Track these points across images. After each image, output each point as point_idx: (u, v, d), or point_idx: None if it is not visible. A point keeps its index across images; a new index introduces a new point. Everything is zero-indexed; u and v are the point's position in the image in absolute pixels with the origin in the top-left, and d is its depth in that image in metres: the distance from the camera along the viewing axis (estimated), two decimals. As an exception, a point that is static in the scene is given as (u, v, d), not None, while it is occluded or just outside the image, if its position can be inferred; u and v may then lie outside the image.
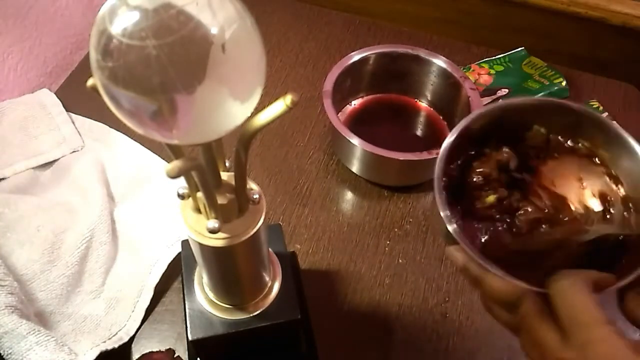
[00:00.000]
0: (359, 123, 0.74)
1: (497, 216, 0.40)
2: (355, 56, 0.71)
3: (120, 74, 0.26)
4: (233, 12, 0.27)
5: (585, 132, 0.40)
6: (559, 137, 0.41)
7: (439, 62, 0.71)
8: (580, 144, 0.41)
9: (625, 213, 0.39)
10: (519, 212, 0.39)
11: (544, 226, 0.39)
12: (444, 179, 0.39)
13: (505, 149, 0.41)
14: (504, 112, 0.41)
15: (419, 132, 0.76)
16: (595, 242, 0.38)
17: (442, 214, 0.37)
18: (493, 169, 0.40)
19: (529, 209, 0.39)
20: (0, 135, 0.71)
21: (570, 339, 0.31)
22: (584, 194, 0.40)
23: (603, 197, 0.40)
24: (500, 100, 0.41)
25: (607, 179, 0.40)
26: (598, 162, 0.40)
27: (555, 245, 0.38)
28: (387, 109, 0.77)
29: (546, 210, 0.39)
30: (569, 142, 0.41)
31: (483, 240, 0.39)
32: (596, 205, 0.40)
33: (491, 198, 0.40)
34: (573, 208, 0.40)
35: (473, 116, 0.40)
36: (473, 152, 0.42)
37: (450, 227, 0.36)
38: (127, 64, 0.25)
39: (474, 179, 0.40)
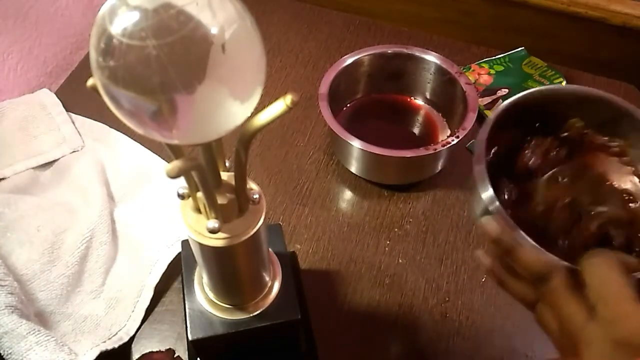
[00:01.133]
0: (357, 124, 0.74)
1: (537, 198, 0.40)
2: (349, 58, 0.71)
3: (120, 74, 0.26)
4: (233, 12, 0.27)
5: (620, 129, 0.40)
6: (594, 132, 0.41)
7: (434, 59, 0.72)
8: (613, 141, 0.41)
9: None
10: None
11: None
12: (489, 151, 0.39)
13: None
14: (545, 97, 0.41)
15: (417, 130, 0.76)
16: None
17: (484, 194, 0.37)
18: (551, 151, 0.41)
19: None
20: (0, 135, 0.71)
21: (598, 314, 0.31)
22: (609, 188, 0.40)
23: (627, 195, 0.40)
24: (544, 86, 0.42)
25: (635, 178, 0.40)
26: (627, 160, 0.40)
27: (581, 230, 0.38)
28: (384, 108, 0.77)
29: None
30: (602, 138, 0.41)
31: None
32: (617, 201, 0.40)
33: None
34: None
35: (510, 101, 0.40)
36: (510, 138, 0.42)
37: (493, 206, 0.36)
38: (127, 64, 0.25)
39: (530, 160, 0.41)
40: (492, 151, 0.41)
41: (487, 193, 0.37)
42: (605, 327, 0.31)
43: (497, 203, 0.36)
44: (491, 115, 0.40)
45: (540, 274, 0.35)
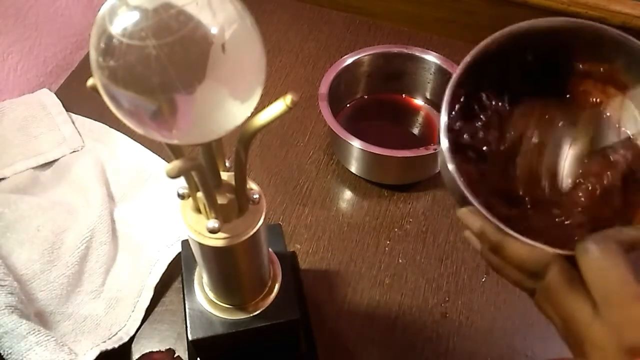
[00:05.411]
0: (357, 124, 0.75)
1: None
2: (349, 58, 0.72)
3: (120, 74, 0.26)
4: (233, 12, 0.27)
5: (605, 54, 0.36)
6: (576, 62, 0.38)
7: (434, 59, 0.72)
8: (598, 68, 0.37)
9: None
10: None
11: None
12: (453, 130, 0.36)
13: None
14: (518, 38, 0.38)
15: (417, 130, 0.76)
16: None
17: (463, 189, 0.33)
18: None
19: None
20: (0, 135, 0.71)
21: (604, 315, 0.28)
22: (606, 120, 0.36)
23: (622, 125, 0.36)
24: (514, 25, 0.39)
25: (630, 104, 0.36)
26: (618, 88, 0.36)
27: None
28: (384, 108, 0.77)
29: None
30: (583, 66, 0.37)
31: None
32: (615, 135, 0.36)
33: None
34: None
35: (482, 45, 0.38)
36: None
37: (471, 199, 0.32)
38: (127, 64, 0.25)
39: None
40: (458, 106, 0.38)
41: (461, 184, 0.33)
42: (611, 332, 0.28)
43: (473, 200, 0.32)
44: (454, 75, 0.37)
45: (534, 270, 0.32)
